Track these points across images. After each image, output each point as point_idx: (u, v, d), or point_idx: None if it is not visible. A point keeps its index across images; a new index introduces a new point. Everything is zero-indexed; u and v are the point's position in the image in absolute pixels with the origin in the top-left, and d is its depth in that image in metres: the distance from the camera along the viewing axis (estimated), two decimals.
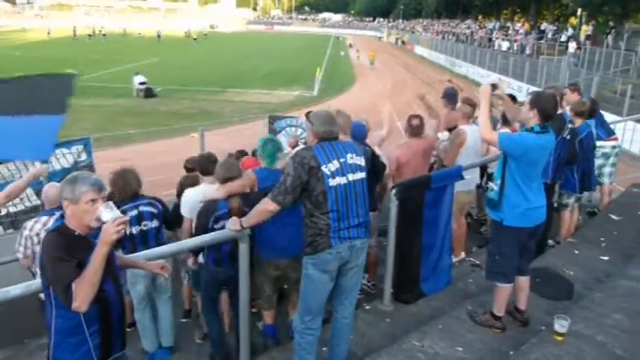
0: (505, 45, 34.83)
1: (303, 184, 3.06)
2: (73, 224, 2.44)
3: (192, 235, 4.13)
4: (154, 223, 4.36)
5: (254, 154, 5.73)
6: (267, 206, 3.16)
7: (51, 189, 4.54)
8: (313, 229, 3.12)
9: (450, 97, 6.23)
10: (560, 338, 3.31)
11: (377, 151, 5.03)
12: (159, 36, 61.54)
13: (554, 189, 5.29)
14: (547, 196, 5.19)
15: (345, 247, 3.14)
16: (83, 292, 2.31)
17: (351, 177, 3.15)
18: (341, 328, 3.49)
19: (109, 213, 2.35)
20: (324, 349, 3.69)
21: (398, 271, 4.50)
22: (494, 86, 3.74)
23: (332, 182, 3.06)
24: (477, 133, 4.90)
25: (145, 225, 4.32)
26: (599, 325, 3.50)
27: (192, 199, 4.36)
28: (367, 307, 4.53)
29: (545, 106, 3.45)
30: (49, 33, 60.87)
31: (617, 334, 3.38)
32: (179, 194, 4.73)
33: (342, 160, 3.13)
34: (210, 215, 3.98)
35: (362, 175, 3.22)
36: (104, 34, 62.63)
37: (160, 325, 4.65)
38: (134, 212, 4.26)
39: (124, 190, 4.29)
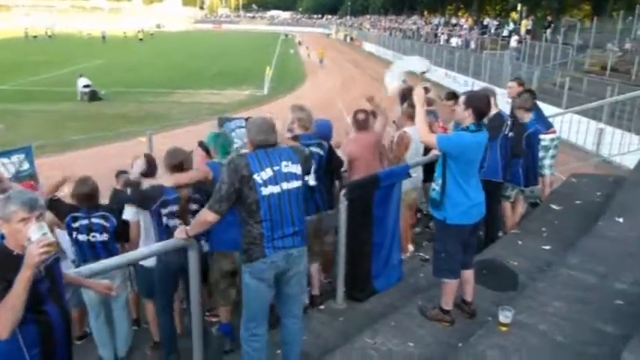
0: (455, 41, 35.38)
1: (237, 192, 3.05)
2: (10, 243, 2.37)
3: None
4: (104, 237, 4.28)
5: (201, 144, 5.69)
6: (206, 217, 3.14)
7: None
8: (248, 238, 3.13)
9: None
10: (504, 329, 3.44)
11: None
12: (103, 37, 59.36)
13: (503, 186, 5.50)
14: (498, 193, 5.41)
15: (281, 256, 3.15)
16: (2, 319, 2.21)
17: (285, 186, 3.14)
18: (291, 333, 3.51)
19: (37, 233, 2.27)
20: (278, 351, 3.71)
21: (350, 270, 4.57)
22: (426, 89, 3.91)
23: (264, 191, 3.06)
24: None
25: (93, 236, 4.25)
26: (541, 313, 3.65)
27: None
28: (321, 307, 4.58)
29: (479, 105, 3.60)
30: None
31: (557, 322, 3.53)
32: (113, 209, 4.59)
33: (275, 168, 3.12)
34: (156, 198, 3.97)
35: (297, 183, 3.21)
36: (50, 35, 60.45)
37: (117, 333, 4.57)
38: (85, 222, 4.22)
39: (79, 197, 4.26)
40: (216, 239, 4.02)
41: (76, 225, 4.24)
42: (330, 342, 4.00)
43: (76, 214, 4.25)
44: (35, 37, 59.03)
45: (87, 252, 4.26)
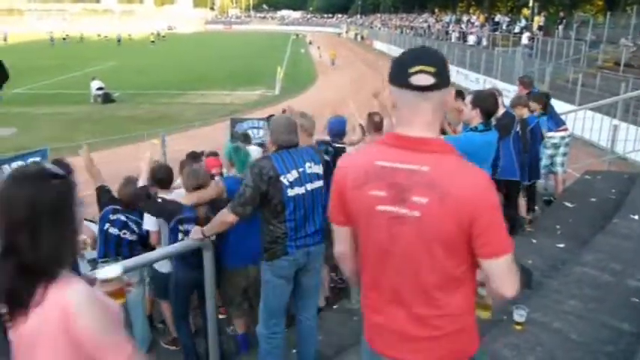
0: (472, 39, 34.64)
1: (263, 194, 3.08)
2: None
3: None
4: (133, 237, 4.42)
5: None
6: (226, 217, 3.18)
7: None
8: (270, 237, 3.17)
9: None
10: (519, 327, 3.44)
11: (348, 150, 5.13)
12: (119, 40, 59.32)
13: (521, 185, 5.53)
14: (516, 191, 5.41)
15: (301, 253, 3.20)
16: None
17: (309, 187, 3.18)
18: (306, 331, 3.54)
19: None
20: (294, 351, 3.74)
21: None
22: None
23: (291, 192, 3.10)
24: None
25: (124, 233, 4.39)
26: (556, 312, 3.64)
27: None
28: (335, 307, 4.60)
29: (486, 104, 3.61)
30: (5, 39, 58.41)
31: (572, 320, 3.53)
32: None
33: (300, 169, 3.15)
34: (173, 215, 3.99)
35: (319, 183, 3.26)
36: (64, 38, 60.96)
37: (134, 334, 4.62)
38: (123, 217, 4.39)
39: (126, 196, 4.42)
40: (232, 255, 3.97)
41: (114, 217, 4.38)
42: (344, 341, 4.02)
43: (117, 207, 4.41)
44: (52, 39, 59.37)
45: (112, 246, 4.36)
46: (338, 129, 5.01)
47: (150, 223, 4.34)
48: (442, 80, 1.63)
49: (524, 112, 5.72)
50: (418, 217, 1.59)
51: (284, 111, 3.74)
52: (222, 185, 3.99)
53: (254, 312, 4.51)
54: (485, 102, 3.63)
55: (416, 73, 1.60)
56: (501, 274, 1.66)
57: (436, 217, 1.58)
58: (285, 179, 3.09)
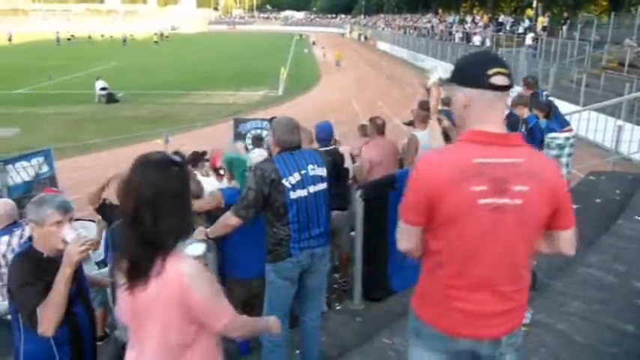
0: (477, 39, 34.14)
1: (265, 197, 3.07)
2: (40, 246, 2.43)
3: None
4: None
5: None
6: (229, 220, 3.18)
7: (2, 205, 4.42)
8: (274, 239, 3.16)
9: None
10: (523, 328, 3.42)
11: (340, 150, 5.12)
12: (124, 40, 58.78)
13: None
14: None
15: (305, 255, 3.19)
16: (48, 317, 2.28)
17: (312, 189, 3.17)
18: (310, 332, 3.54)
19: (72, 234, 2.35)
20: (297, 352, 3.73)
21: (367, 270, 4.58)
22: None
23: (293, 195, 3.09)
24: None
25: None
26: (560, 313, 3.63)
27: None
28: (338, 307, 4.60)
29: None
30: (10, 39, 58.52)
31: (576, 322, 3.52)
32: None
33: (303, 172, 3.14)
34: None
35: (323, 185, 3.25)
36: (69, 39, 61.11)
37: None
38: None
39: None
40: (233, 266, 3.94)
41: None
42: (348, 342, 4.02)
43: None
44: (58, 40, 59.47)
45: None
46: (325, 133, 5.01)
47: None
48: (512, 82, 1.87)
49: (525, 112, 5.75)
50: (520, 204, 1.80)
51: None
52: (220, 196, 3.95)
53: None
54: None
55: (495, 74, 1.81)
56: (572, 239, 1.99)
57: (536, 203, 1.82)
58: (287, 182, 3.07)
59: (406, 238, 1.97)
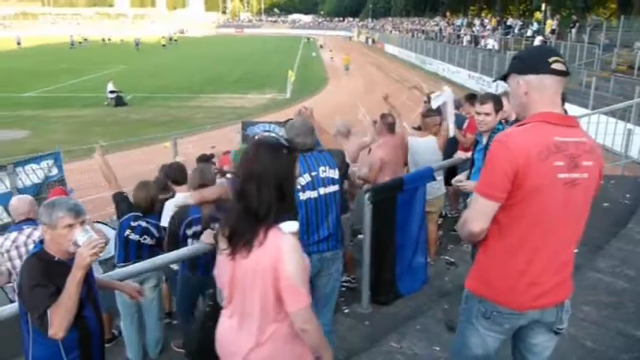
0: (491, 43, 33.16)
1: None
2: (52, 249, 2.44)
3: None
4: (152, 242, 4.42)
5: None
6: None
7: (17, 202, 4.51)
8: None
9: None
10: None
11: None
12: (137, 44, 58.49)
13: None
14: None
15: (315, 259, 3.18)
16: (59, 319, 2.29)
17: (322, 191, 3.17)
18: None
19: (84, 236, 2.35)
20: None
21: (374, 274, 4.57)
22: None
23: (302, 196, 3.09)
24: (428, 144, 5.39)
25: (144, 239, 4.38)
26: (570, 318, 3.58)
27: (172, 208, 4.36)
28: (346, 311, 4.58)
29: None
30: (19, 43, 59.00)
31: (586, 327, 3.49)
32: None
33: (313, 173, 3.15)
34: (181, 221, 3.99)
35: (335, 188, 3.24)
36: (80, 42, 61.62)
37: (147, 335, 4.66)
38: (143, 224, 4.38)
39: (144, 200, 4.40)
40: None
41: (135, 224, 4.35)
42: (356, 346, 4.00)
43: (138, 214, 4.38)
44: (73, 43, 60.03)
45: (133, 251, 4.35)
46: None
47: (167, 220, 4.36)
48: (569, 70, 2.09)
49: None
50: (586, 177, 2.02)
51: (299, 112, 3.71)
52: (226, 185, 3.98)
53: None
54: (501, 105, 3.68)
55: (555, 62, 2.02)
56: None
57: (595, 176, 2.05)
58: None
59: (484, 216, 2.05)
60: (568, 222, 2.06)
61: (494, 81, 2.54)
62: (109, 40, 68.54)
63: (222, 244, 2.10)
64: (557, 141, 1.98)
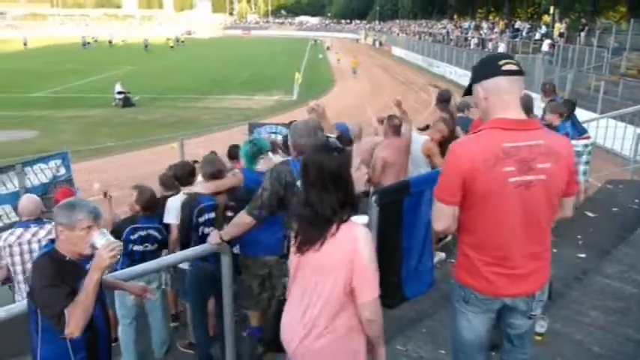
0: (502, 46, 32.29)
1: (280, 199, 3.07)
2: (64, 249, 2.45)
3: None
4: (154, 247, 4.43)
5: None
6: (243, 220, 3.18)
7: (27, 201, 4.53)
8: (288, 241, 3.15)
9: (444, 101, 6.48)
10: (539, 338, 3.38)
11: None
12: (146, 46, 58.29)
13: None
14: None
15: None
16: (76, 318, 2.31)
17: None
18: None
19: (102, 239, 2.37)
20: None
21: (380, 277, 4.53)
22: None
23: None
24: (417, 143, 5.44)
25: (146, 247, 4.38)
26: (577, 323, 3.58)
27: (176, 205, 4.38)
28: None
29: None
30: (25, 44, 59.29)
31: (593, 332, 3.47)
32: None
33: None
34: (193, 208, 4.03)
35: None
36: (89, 42, 62.09)
37: (153, 336, 4.66)
38: (143, 232, 4.34)
39: (144, 202, 4.38)
40: (249, 243, 3.98)
41: (134, 237, 4.32)
42: None
43: (135, 226, 4.34)
44: (84, 43, 60.61)
45: (137, 261, 4.27)
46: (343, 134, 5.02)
47: (172, 216, 4.36)
48: (522, 70, 2.19)
49: (557, 121, 5.67)
50: (543, 179, 2.11)
51: (312, 109, 3.70)
52: (240, 175, 4.01)
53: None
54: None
55: (505, 64, 2.13)
56: (572, 203, 2.40)
57: (557, 175, 2.14)
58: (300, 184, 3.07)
59: (442, 217, 2.22)
60: (529, 220, 2.17)
61: (462, 97, 2.59)
62: (123, 40, 68.89)
63: (293, 234, 2.25)
64: (506, 147, 2.08)
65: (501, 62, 2.13)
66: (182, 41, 70.31)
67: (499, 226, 2.17)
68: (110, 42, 65.37)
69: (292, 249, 2.27)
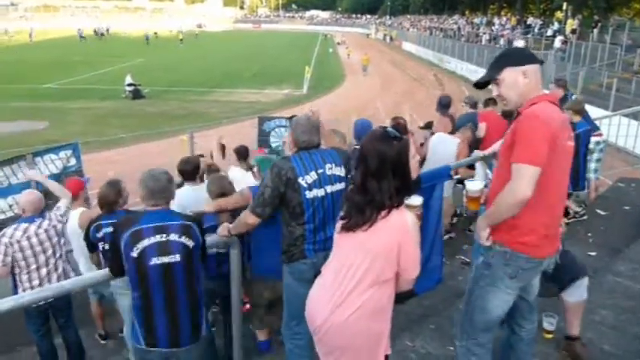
0: (521, 43, 31.28)
1: (281, 195, 3.05)
2: None
3: None
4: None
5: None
6: (247, 218, 3.15)
7: (31, 196, 4.46)
8: (288, 239, 3.13)
9: (444, 106, 6.48)
10: (549, 336, 3.37)
11: None
12: (147, 38, 58.40)
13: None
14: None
15: (321, 256, 3.12)
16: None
17: (329, 189, 3.11)
18: None
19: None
20: None
21: None
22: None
23: (309, 194, 3.04)
24: (445, 144, 5.51)
25: None
26: (587, 321, 3.55)
27: (179, 199, 4.35)
28: None
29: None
30: (30, 36, 59.23)
31: (604, 331, 3.44)
32: None
33: (320, 171, 3.10)
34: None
35: (341, 185, 3.18)
36: (102, 34, 62.48)
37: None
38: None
39: (105, 203, 4.22)
40: (259, 265, 3.89)
41: (100, 235, 4.10)
42: None
43: (98, 223, 4.10)
44: (99, 34, 60.98)
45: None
46: (365, 132, 4.97)
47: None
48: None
49: (576, 118, 5.62)
50: (571, 145, 2.51)
51: (313, 113, 3.65)
52: (248, 194, 3.84)
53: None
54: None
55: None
56: None
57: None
58: (303, 181, 3.03)
59: (532, 181, 2.29)
60: (565, 182, 2.55)
61: (478, 87, 2.68)
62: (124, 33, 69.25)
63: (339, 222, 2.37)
64: (562, 116, 2.50)
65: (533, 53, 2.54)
66: (196, 34, 70.07)
67: (559, 186, 2.48)
68: (102, 34, 65.51)
69: (337, 227, 2.37)
